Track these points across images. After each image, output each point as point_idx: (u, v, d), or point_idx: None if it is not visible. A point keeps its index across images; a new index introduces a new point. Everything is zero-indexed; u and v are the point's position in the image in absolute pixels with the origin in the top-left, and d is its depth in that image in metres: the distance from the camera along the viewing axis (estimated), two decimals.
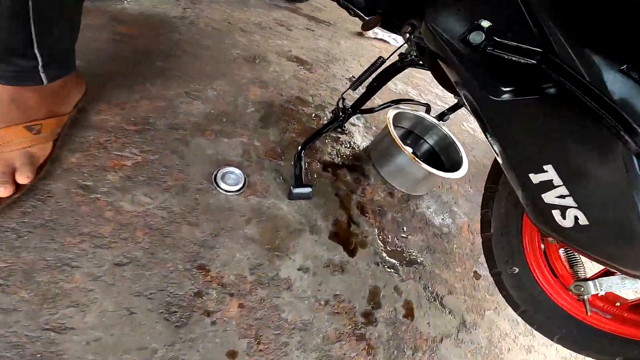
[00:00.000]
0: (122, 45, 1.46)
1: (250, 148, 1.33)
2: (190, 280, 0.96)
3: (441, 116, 1.83)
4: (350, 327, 1.07)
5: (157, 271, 0.94)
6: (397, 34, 1.34)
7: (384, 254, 1.27)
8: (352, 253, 1.22)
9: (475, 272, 1.43)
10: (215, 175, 1.17)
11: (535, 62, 0.58)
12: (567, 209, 0.57)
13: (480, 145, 2.23)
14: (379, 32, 2.70)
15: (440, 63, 0.77)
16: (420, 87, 2.44)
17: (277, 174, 1.31)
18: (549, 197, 0.59)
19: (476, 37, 0.65)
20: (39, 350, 0.71)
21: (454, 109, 1.82)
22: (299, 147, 1.32)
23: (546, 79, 0.56)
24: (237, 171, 1.21)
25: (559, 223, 0.59)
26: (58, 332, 0.76)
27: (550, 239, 0.86)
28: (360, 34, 2.74)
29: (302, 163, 1.29)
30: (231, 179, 1.19)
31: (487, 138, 0.68)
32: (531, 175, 0.60)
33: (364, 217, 1.38)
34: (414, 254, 1.34)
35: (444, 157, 1.67)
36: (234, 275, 1.02)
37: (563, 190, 0.56)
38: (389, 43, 2.79)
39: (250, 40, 1.96)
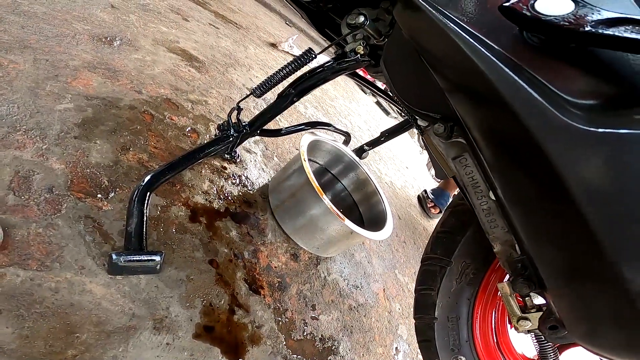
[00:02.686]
0: None
1: (36, 173, 0.69)
2: None
3: (360, 152, 1.49)
4: None
5: None
6: (327, 36, 0.96)
7: (288, 351, 0.91)
8: (237, 357, 0.78)
9: (396, 348, 1.21)
10: None
11: None
12: None
13: (386, 191, 1.98)
14: (294, 46, 2.33)
15: (427, 63, 0.53)
16: (332, 115, 2.12)
17: (89, 227, 0.69)
18: None
19: (556, 5, 0.36)
20: None
21: (374, 143, 1.50)
22: (144, 180, 0.74)
23: None
24: None
25: None
26: None
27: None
28: (273, 45, 2.34)
29: (146, 209, 0.71)
30: None
31: (512, 208, 0.49)
32: None
33: (257, 295, 0.90)
34: (328, 340, 1.02)
35: (363, 208, 1.29)
36: None
37: None
38: None
39: (119, 19, 1.34)
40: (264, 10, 3.02)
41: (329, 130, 1.36)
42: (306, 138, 1.11)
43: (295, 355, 0.88)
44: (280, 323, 0.91)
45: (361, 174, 1.29)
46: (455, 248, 0.77)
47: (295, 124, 1.27)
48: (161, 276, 0.74)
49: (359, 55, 0.86)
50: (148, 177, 0.75)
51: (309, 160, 1.08)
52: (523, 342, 0.87)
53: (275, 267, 0.99)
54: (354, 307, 1.16)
